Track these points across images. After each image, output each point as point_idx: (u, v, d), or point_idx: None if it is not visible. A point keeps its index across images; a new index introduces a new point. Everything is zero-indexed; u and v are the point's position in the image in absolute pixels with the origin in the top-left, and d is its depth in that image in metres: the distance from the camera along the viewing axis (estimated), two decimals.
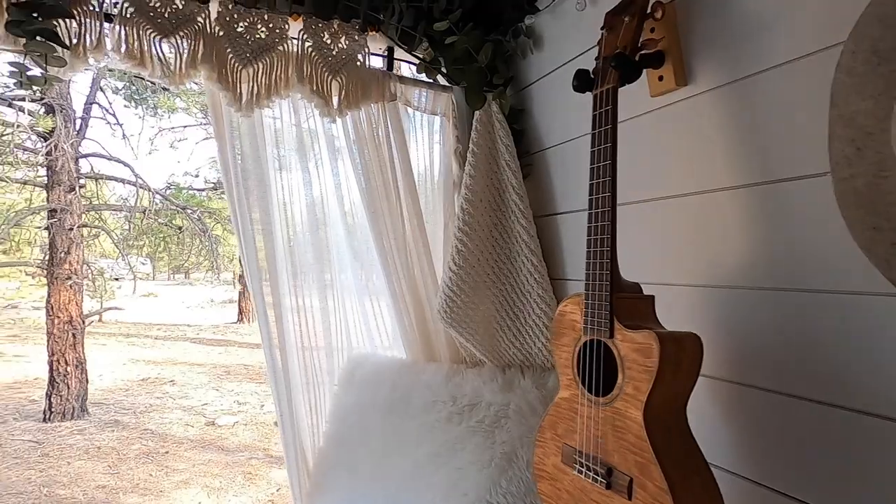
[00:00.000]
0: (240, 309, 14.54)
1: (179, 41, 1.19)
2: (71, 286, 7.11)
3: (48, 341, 6.94)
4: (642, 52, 0.87)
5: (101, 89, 7.56)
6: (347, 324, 1.61)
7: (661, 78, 0.94)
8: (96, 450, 6.02)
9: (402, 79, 1.47)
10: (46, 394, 6.83)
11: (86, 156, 7.45)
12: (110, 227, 9.45)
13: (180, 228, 8.98)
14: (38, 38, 1.01)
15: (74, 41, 1.09)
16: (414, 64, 1.52)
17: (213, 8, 1.23)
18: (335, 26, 1.35)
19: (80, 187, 7.34)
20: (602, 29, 0.90)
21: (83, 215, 7.56)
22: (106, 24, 1.13)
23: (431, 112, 1.54)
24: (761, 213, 0.85)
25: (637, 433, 0.75)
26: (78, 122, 7.39)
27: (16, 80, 1.02)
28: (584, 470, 0.84)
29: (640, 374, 0.75)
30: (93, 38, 1.11)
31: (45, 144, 6.83)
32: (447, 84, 1.53)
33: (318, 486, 1.50)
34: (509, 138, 1.35)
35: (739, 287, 0.87)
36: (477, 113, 1.39)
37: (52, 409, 6.85)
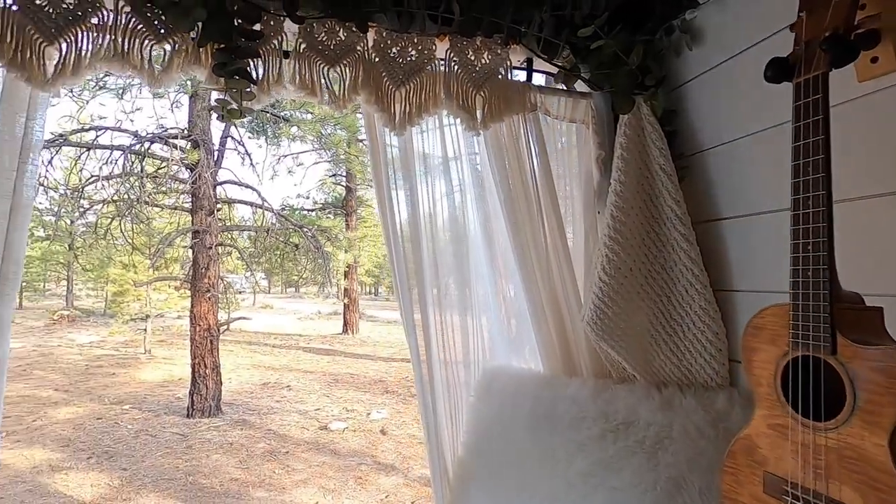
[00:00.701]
0: (345, 321, 15.40)
1: (343, 69, 1.29)
2: (209, 298, 8.01)
3: (191, 346, 7.86)
4: (857, 31, 0.78)
5: (234, 124, 8.55)
6: (483, 336, 1.61)
7: (874, 59, 0.83)
8: (229, 445, 6.67)
9: (541, 88, 1.46)
10: (189, 393, 7.71)
11: (221, 183, 8.42)
12: (239, 246, 10.58)
13: (297, 246, 9.78)
14: (235, 76, 1.15)
15: (260, 77, 1.23)
16: (551, 74, 1.51)
17: (370, 36, 1.32)
18: (478, 43, 1.38)
19: (217, 210, 8.32)
20: (800, 12, 0.82)
21: (218, 235, 8.53)
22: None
23: (570, 120, 1.51)
24: None
25: (882, 467, 0.64)
26: (215, 153, 8.39)
27: (218, 115, 1.17)
28: None
29: (883, 397, 0.65)
30: (274, 73, 1.24)
31: (191, 175, 7.83)
32: (585, 91, 1.50)
33: (459, 495, 1.51)
34: (663, 141, 1.28)
35: None
36: (624, 117, 1.34)
37: (194, 407, 7.70)
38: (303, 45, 1.26)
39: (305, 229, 9.24)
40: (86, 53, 1.13)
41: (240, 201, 8.92)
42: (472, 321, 1.57)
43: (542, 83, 1.53)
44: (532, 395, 1.48)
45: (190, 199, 8.23)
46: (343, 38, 1.29)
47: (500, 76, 1.40)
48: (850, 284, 0.78)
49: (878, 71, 0.84)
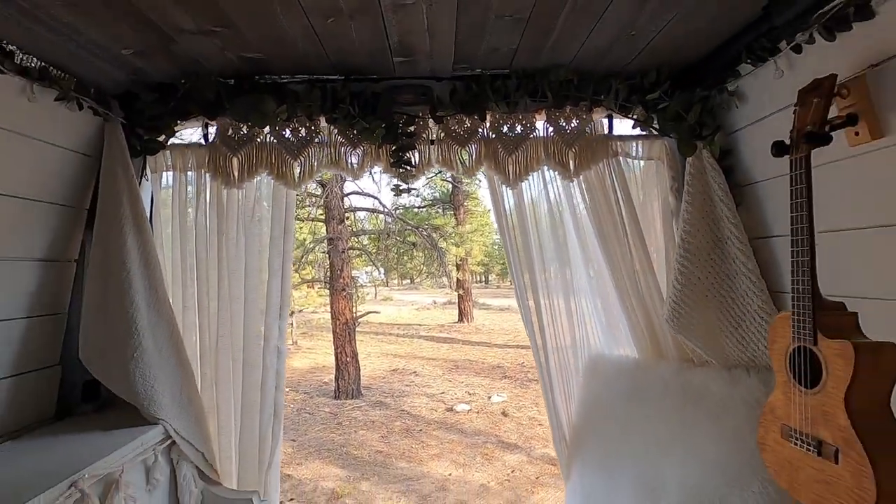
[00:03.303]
0: (460, 310, 16.25)
1: (470, 147, 1.83)
2: (345, 296, 9.19)
3: (333, 338, 9.09)
4: (832, 124, 1.11)
5: None
6: (587, 328, 2.07)
7: (857, 133, 1.15)
8: (371, 423, 7.73)
9: (621, 137, 1.87)
10: (335, 377, 8.95)
11: (348, 194, 9.59)
12: (364, 247, 11.87)
13: (414, 244, 10.76)
14: (402, 166, 1.76)
15: (417, 162, 1.82)
16: (630, 120, 1.91)
17: (488, 120, 1.85)
18: (568, 111, 1.84)
19: (346, 219, 9.49)
20: (795, 105, 1.17)
21: (349, 240, 9.72)
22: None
23: (647, 158, 1.90)
24: None
25: (840, 417, 1.02)
26: None
27: (394, 193, 1.79)
28: (798, 443, 1.12)
29: (840, 372, 1.02)
30: (425, 158, 1.83)
31: (323, 190, 9.05)
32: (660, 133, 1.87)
33: (574, 451, 2.00)
34: (721, 177, 1.63)
35: None
36: (689, 158, 1.71)
37: (340, 390, 8.92)
38: (442, 134, 1.83)
39: (421, 228, 10.13)
40: (314, 163, 1.81)
41: (364, 209, 10.04)
42: (577, 310, 2.03)
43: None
44: (629, 376, 1.91)
45: (323, 211, 9.49)
46: (469, 125, 1.84)
47: (586, 134, 1.84)
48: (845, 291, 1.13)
49: (860, 141, 1.15)
